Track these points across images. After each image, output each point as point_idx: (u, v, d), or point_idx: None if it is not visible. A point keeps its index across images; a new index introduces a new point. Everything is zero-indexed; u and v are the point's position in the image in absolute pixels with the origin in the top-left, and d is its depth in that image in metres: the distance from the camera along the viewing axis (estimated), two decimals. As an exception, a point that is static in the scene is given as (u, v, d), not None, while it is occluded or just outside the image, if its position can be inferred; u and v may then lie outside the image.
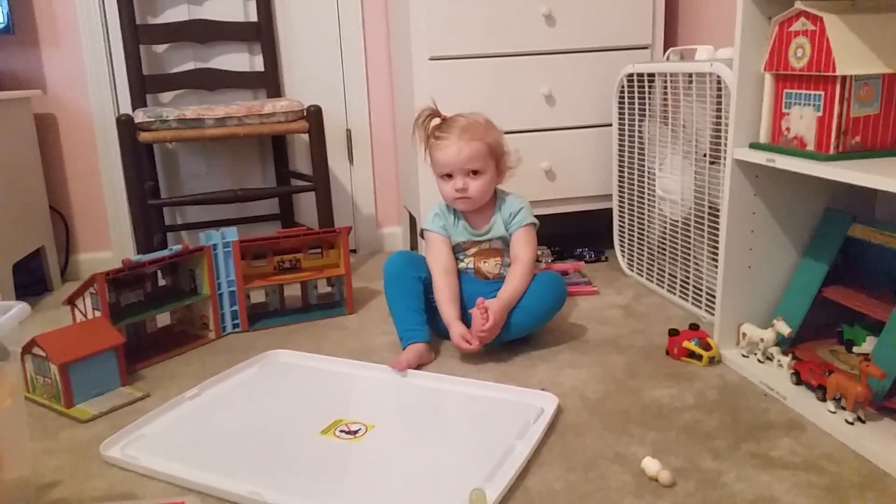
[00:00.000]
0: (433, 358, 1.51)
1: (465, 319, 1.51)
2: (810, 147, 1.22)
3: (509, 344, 1.53)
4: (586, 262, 2.17)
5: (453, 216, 1.61)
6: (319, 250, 1.83)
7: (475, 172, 1.53)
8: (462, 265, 1.60)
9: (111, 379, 1.42)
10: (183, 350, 1.62)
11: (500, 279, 1.56)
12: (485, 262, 1.60)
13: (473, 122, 1.55)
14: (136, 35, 2.11)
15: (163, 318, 1.73)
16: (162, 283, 1.71)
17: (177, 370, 1.52)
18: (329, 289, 1.90)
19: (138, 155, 1.96)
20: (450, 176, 1.54)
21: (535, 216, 1.61)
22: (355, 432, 1.20)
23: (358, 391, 1.38)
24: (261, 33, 2.22)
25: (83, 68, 2.20)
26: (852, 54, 1.15)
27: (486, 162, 1.53)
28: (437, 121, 1.58)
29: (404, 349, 1.49)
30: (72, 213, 2.30)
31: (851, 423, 1.13)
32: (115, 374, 1.42)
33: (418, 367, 1.46)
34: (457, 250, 1.61)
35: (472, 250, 1.60)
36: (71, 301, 1.55)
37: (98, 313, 1.49)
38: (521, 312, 1.50)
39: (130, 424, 1.23)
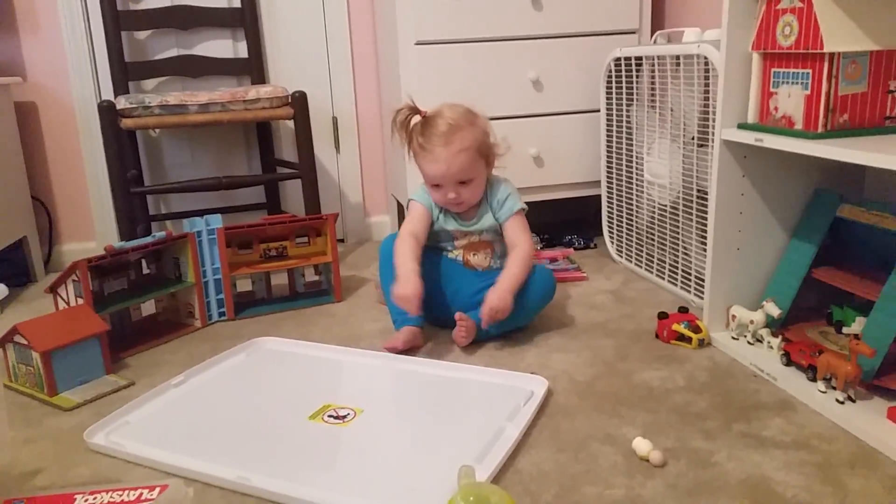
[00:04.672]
0: (423, 343, 1.49)
1: (450, 306, 1.49)
2: (798, 126, 1.22)
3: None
4: (575, 249, 2.17)
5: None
6: (306, 238, 1.81)
7: (466, 181, 1.47)
8: (451, 255, 1.57)
9: (95, 367, 1.39)
10: (168, 338, 1.60)
11: (489, 270, 1.55)
12: (474, 254, 1.56)
13: (456, 123, 1.44)
14: (118, 21, 2.08)
15: (147, 307, 1.71)
16: (146, 271, 1.69)
17: (162, 358, 1.50)
18: (316, 277, 1.89)
19: (121, 142, 1.94)
20: (440, 184, 1.48)
21: (525, 202, 1.58)
22: (344, 417, 1.18)
23: (346, 376, 1.37)
24: (244, 19, 2.19)
25: (64, 55, 2.16)
26: (840, 31, 1.14)
27: (476, 166, 1.47)
28: (417, 119, 1.49)
29: (398, 331, 1.48)
30: (54, 202, 2.27)
31: (842, 403, 1.13)
32: (99, 361, 1.40)
33: (409, 350, 1.45)
34: (445, 238, 1.57)
35: (462, 241, 1.56)
36: (53, 289, 1.53)
37: (81, 301, 1.46)
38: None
39: (115, 412, 1.21)
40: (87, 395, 1.32)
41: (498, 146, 1.53)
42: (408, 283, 1.40)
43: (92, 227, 2.29)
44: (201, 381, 1.35)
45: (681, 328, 1.42)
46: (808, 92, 1.19)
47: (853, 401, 1.13)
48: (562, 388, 1.27)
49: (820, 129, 1.18)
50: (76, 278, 1.46)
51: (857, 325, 1.28)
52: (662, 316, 1.47)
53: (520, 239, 1.51)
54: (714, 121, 1.40)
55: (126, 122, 1.87)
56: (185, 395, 1.30)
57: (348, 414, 1.19)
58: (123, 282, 1.61)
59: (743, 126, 1.33)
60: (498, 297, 1.39)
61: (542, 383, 1.24)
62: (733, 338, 1.41)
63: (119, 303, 1.55)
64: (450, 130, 1.43)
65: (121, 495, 0.91)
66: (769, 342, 1.33)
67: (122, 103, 1.87)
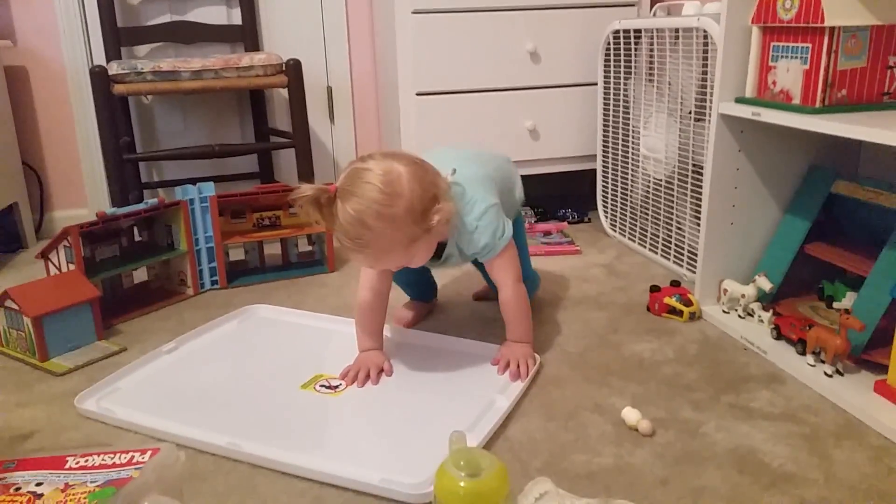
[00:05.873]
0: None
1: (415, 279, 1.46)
2: (796, 100, 1.21)
3: (491, 302, 1.52)
4: (569, 223, 2.16)
5: None
6: (300, 207, 1.80)
7: (405, 262, 1.15)
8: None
9: (86, 333, 1.39)
10: (160, 306, 1.59)
11: None
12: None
13: (361, 220, 1.04)
14: (110, -15, 2.04)
15: (139, 275, 1.70)
16: (138, 238, 1.68)
17: (154, 325, 1.50)
18: (310, 247, 1.88)
19: (113, 108, 1.91)
20: None
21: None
22: (335, 387, 1.19)
23: (338, 346, 1.36)
24: (239, -15, 2.16)
25: (55, 19, 2.13)
26: (841, 5, 1.13)
27: (410, 249, 1.10)
28: (325, 199, 1.06)
29: (408, 304, 1.50)
30: (45, 169, 2.24)
31: (830, 376, 1.14)
32: (90, 327, 1.39)
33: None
34: None
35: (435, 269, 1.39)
36: (44, 254, 1.52)
37: (72, 267, 1.46)
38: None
39: (106, 378, 1.21)
40: (79, 361, 1.32)
41: (435, 213, 1.09)
42: (370, 358, 1.24)
43: (83, 194, 2.27)
44: (193, 348, 1.35)
45: (672, 301, 1.43)
46: (807, 66, 1.19)
47: (841, 374, 1.14)
48: (553, 359, 1.28)
49: (818, 104, 1.17)
50: (67, 244, 1.45)
51: (847, 300, 1.29)
52: (654, 289, 1.47)
53: (502, 279, 1.24)
54: (712, 95, 1.40)
55: (118, 88, 1.84)
56: (176, 361, 1.30)
57: (340, 384, 1.20)
58: (115, 248, 1.60)
59: (741, 100, 1.32)
60: (515, 358, 1.21)
61: (533, 355, 1.24)
62: (724, 311, 1.41)
63: (110, 269, 1.54)
64: (359, 231, 1.05)
65: (112, 458, 0.90)
66: (760, 316, 1.34)
67: (114, 69, 1.85)
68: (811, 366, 1.17)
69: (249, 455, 0.98)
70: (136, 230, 1.67)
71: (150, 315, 1.55)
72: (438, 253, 1.21)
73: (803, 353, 1.20)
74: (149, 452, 0.91)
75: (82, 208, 2.27)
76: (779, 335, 1.27)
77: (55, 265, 1.51)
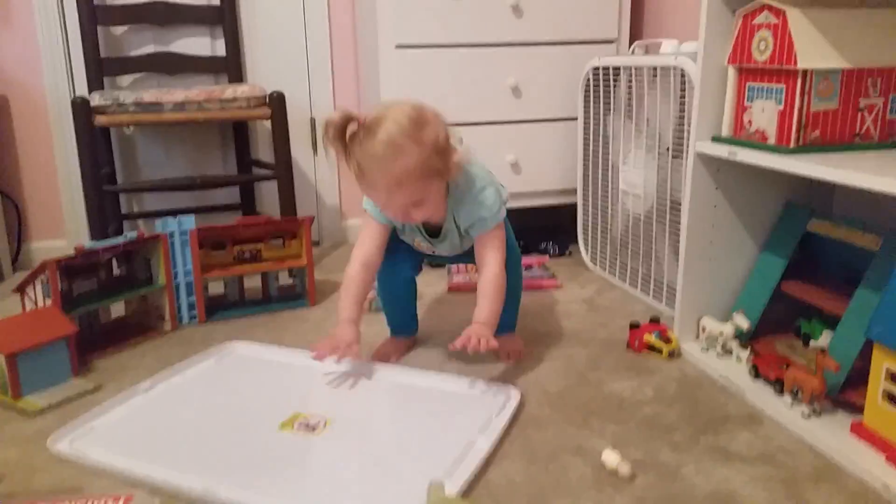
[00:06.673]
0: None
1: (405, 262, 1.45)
2: (771, 140, 1.23)
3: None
4: (551, 256, 2.17)
5: None
6: (281, 240, 1.80)
7: (417, 202, 1.22)
8: (417, 246, 1.42)
9: (62, 370, 1.37)
10: (137, 341, 1.57)
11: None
12: (438, 251, 1.41)
13: (397, 142, 1.16)
14: (94, 15, 2.04)
15: (117, 309, 1.68)
16: (116, 271, 1.66)
17: (130, 362, 1.48)
18: (290, 280, 1.87)
19: (94, 139, 1.90)
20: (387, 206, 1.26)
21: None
22: (314, 427, 1.18)
23: (318, 384, 1.35)
24: (223, 17, 2.17)
25: (37, 48, 2.13)
26: (813, 49, 1.16)
27: (427, 186, 1.21)
28: (353, 128, 1.20)
29: (390, 340, 1.50)
30: (24, 198, 2.23)
31: (808, 417, 1.14)
32: (65, 364, 1.37)
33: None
34: (407, 242, 1.42)
35: (426, 247, 1.40)
36: (21, 289, 1.50)
37: (49, 302, 1.44)
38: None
39: (80, 417, 1.19)
40: (53, 399, 1.30)
41: (455, 150, 1.23)
42: (343, 333, 1.29)
43: (62, 225, 2.26)
44: (169, 386, 1.34)
45: (652, 339, 1.43)
46: (782, 107, 1.21)
47: (818, 415, 1.15)
48: (534, 398, 1.27)
49: (792, 145, 1.19)
50: (45, 279, 1.43)
51: (823, 339, 1.30)
52: (634, 326, 1.48)
53: (487, 258, 1.30)
54: (689, 132, 1.42)
55: (100, 119, 1.84)
56: (152, 400, 1.28)
57: (319, 423, 1.18)
58: (93, 282, 1.58)
59: (717, 139, 1.34)
60: (476, 334, 1.23)
61: (514, 394, 1.24)
62: (703, 349, 1.42)
63: (88, 304, 1.53)
64: (389, 153, 1.16)
65: (84, 506, 0.89)
66: (738, 354, 1.35)
67: (96, 100, 1.85)
68: (789, 406, 1.18)
69: (226, 500, 0.97)
70: (114, 262, 1.65)
71: (127, 351, 1.53)
72: (437, 231, 1.33)
73: (781, 393, 1.21)
74: (122, 499, 0.90)
75: (61, 239, 2.25)
76: (757, 374, 1.28)
77: (31, 300, 1.49)
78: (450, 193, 1.28)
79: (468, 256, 1.40)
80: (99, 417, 1.21)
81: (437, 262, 1.48)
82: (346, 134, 1.19)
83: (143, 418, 1.22)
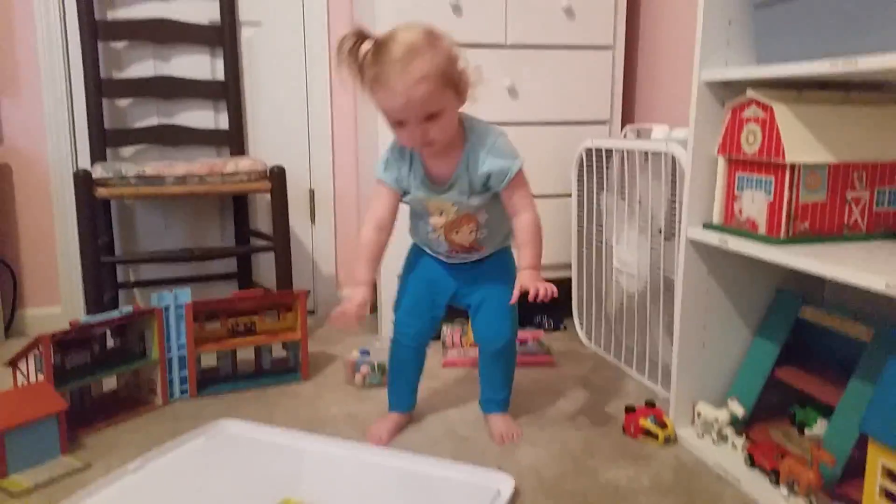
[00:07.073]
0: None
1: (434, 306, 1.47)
2: (762, 230, 1.26)
3: (465, 414, 1.51)
4: (545, 330, 2.17)
5: (408, 165, 1.35)
6: (276, 313, 1.80)
7: (433, 115, 1.23)
8: (433, 236, 1.42)
9: (50, 447, 1.35)
10: (128, 416, 1.56)
11: (471, 249, 1.43)
12: (457, 232, 1.40)
13: (414, 46, 1.19)
14: (100, 88, 2.09)
15: (109, 382, 1.67)
16: (110, 345, 1.66)
17: (120, 439, 1.46)
18: (284, 353, 1.86)
19: (94, 210, 1.92)
20: (403, 122, 1.25)
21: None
22: (304, 511, 1.16)
23: (308, 467, 1.33)
24: (227, 92, 2.22)
25: (42, 119, 2.16)
26: (800, 143, 1.19)
27: (443, 96, 1.22)
28: (367, 45, 1.23)
29: (386, 417, 1.50)
30: (21, 265, 2.23)
31: (804, 510, 1.13)
32: (55, 441, 1.36)
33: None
34: (419, 212, 1.42)
35: (439, 220, 1.39)
36: (13, 363, 1.49)
37: (41, 376, 1.43)
38: (497, 313, 1.47)
39: (68, 499, 1.17)
40: (40, 479, 1.28)
41: (467, 72, 1.27)
42: (355, 295, 1.31)
43: (57, 293, 2.25)
44: (158, 466, 1.32)
45: (647, 423, 1.42)
46: (771, 199, 1.24)
47: (815, 508, 1.14)
48: (529, 485, 1.26)
49: (782, 235, 1.22)
50: (38, 353, 1.43)
51: (818, 427, 1.30)
52: (630, 409, 1.47)
53: (519, 205, 1.34)
54: (681, 215, 1.44)
55: (101, 192, 1.86)
56: (141, 481, 1.26)
57: (309, 509, 1.17)
58: (86, 355, 1.57)
59: (708, 226, 1.37)
60: (534, 285, 1.29)
61: (508, 481, 1.23)
62: (699, 435, 1.41)
63: (81, 378, 1.52)
64: (407, 55, 1.18)
65: None
66: (733, 441, 1.34)
67: (98, 172, 1.87)
68: (785, 498, 1.17)
69: None
70: (108, 334, 1.65)
71: (117, 427, 1.51)
72: (445, 181, 1.33)
73: (777, 484, 1.20)
74: None
75: (55, 306, 2.25)
76: (752, 463, 1.27)
77: (24, 374, 1.48)
78: (466, 137, 1.33)
79: (489, 240, 1.42)
80: (87, 499, 1.19)
81: (458, 304, 1.49)
82: (359, 51, 1.23)
83: (131, 501, 1.20)
